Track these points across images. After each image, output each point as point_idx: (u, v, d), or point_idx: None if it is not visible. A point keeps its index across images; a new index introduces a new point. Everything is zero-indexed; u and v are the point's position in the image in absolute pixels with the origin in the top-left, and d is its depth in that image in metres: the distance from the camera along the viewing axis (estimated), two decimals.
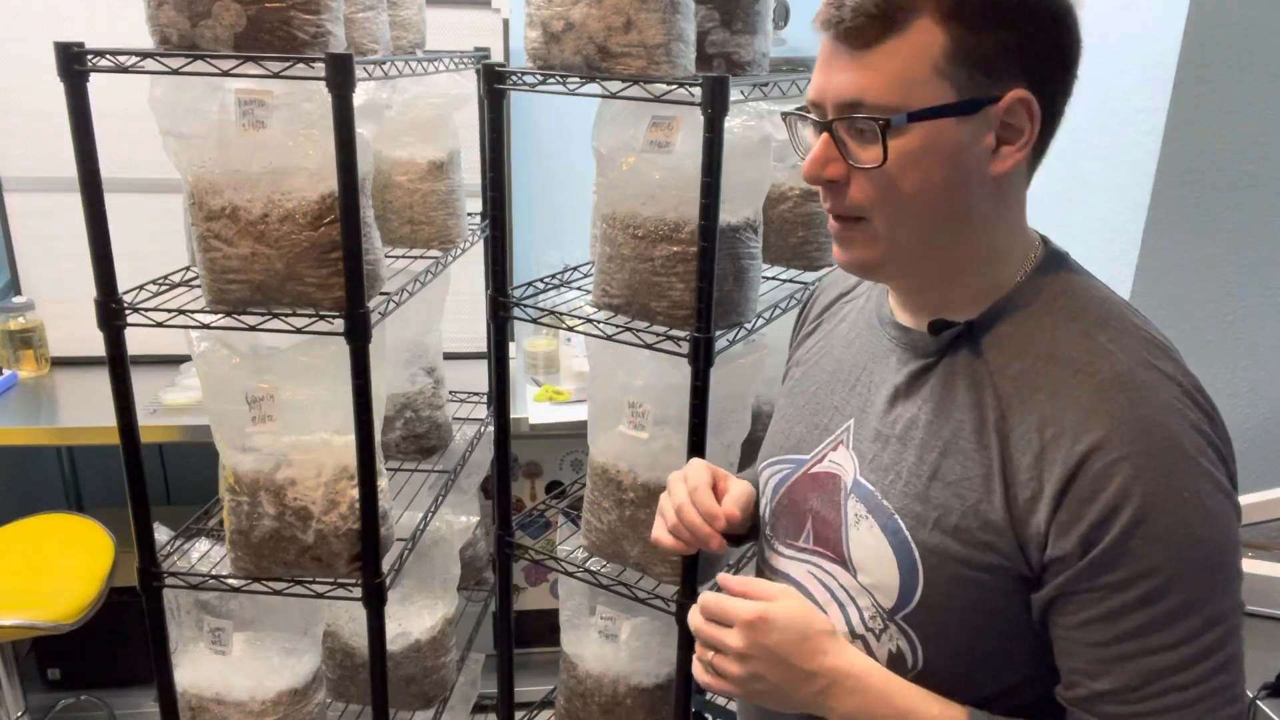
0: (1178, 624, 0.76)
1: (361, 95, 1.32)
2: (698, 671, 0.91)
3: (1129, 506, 0.75)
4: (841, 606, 0.91)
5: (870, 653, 0.89)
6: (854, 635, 0.90)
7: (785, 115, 0.91)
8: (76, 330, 2.26)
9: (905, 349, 0.91)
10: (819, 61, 0.83)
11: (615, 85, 1.33)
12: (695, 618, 0.90)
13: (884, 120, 0.78)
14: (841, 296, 1.06)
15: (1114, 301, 0.86)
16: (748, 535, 1.09)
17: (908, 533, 0.85)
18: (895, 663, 0.88)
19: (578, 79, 1.36)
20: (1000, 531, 0.81)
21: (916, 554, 0.84)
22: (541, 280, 1.67)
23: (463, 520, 1.94)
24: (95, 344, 1.41)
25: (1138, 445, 0.76)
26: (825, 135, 0.82)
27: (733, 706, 1.92)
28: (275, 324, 1.38)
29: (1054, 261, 0.87)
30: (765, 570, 1.02)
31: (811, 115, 0.85)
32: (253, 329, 1.38)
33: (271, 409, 1.44)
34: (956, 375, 0.86)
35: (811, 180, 0.84)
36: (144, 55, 1.29)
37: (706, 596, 0.90)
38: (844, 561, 0.90)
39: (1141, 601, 0.76)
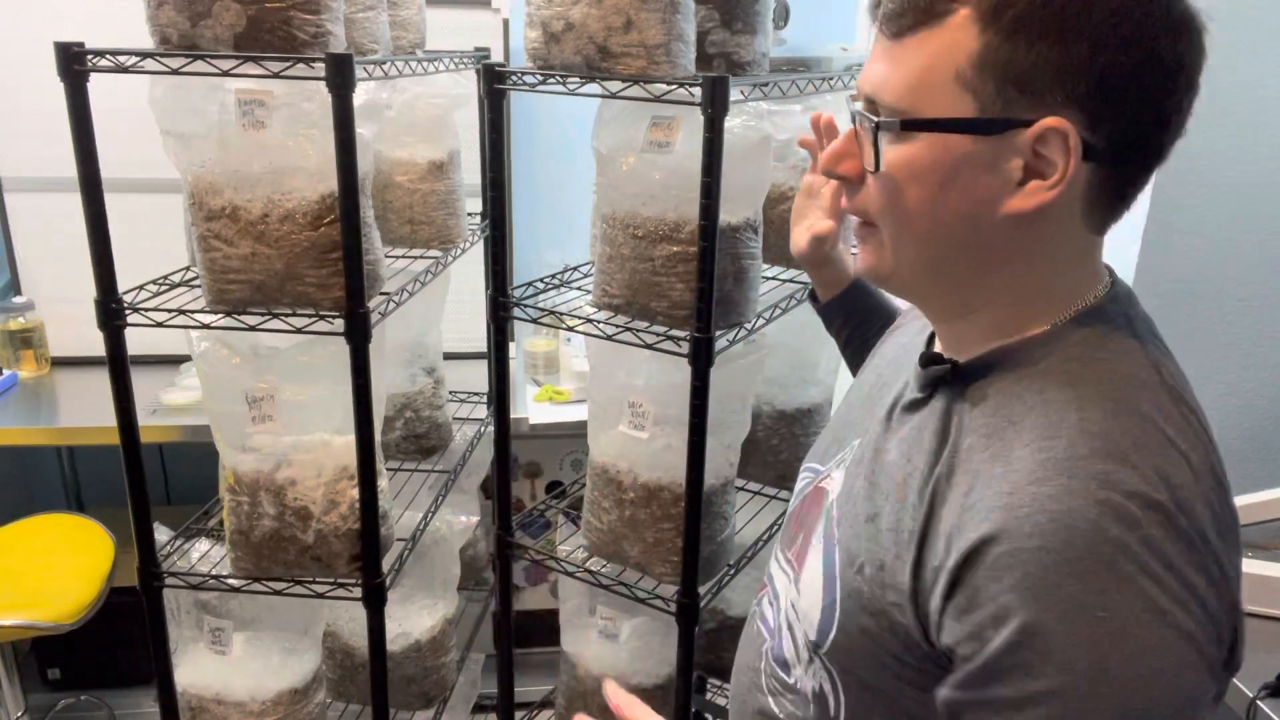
0: None
1: (361, 95, 1.32)
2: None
3: (1020, 613, 0.64)
4: (790, 629, 0.87)
5: (801, 682, 0.85)
6: (796, 662, 0.86)
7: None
8: (76, 330, 2.26)
9: (915, 378, 0.83)
10: None
11: (615, 85, 1.33)
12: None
13: (875, 122, 0.72)
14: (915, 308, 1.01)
15: (1140, 380, 0.71)
16: None
17: (839, 567, 0.80)
18: (819, 702, 0.83)
19: (578, 79, 1.36)
20: (902, 594, 0.73)
21: (839, 592, 0.79)
22: (542, 280, 1.67)
23: (463, 520, 1.94)
24: (95, 344, 1.41)
25: (1045, 542, 0.64)
26: (851, 128, 0.77)
27: None
28: (275, 324, 1.38)
29: (1096, 316, 0.75)
30: (767, 572, 1.02)
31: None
32: (253, 329, 1.38)
33: (271, 409, 1.44)
34: (933, 418, 0.78)
35: (824, 173, 0.80)
36: (144, 55, 1.29)
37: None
38: (798, 582, 0.87)
39: None
